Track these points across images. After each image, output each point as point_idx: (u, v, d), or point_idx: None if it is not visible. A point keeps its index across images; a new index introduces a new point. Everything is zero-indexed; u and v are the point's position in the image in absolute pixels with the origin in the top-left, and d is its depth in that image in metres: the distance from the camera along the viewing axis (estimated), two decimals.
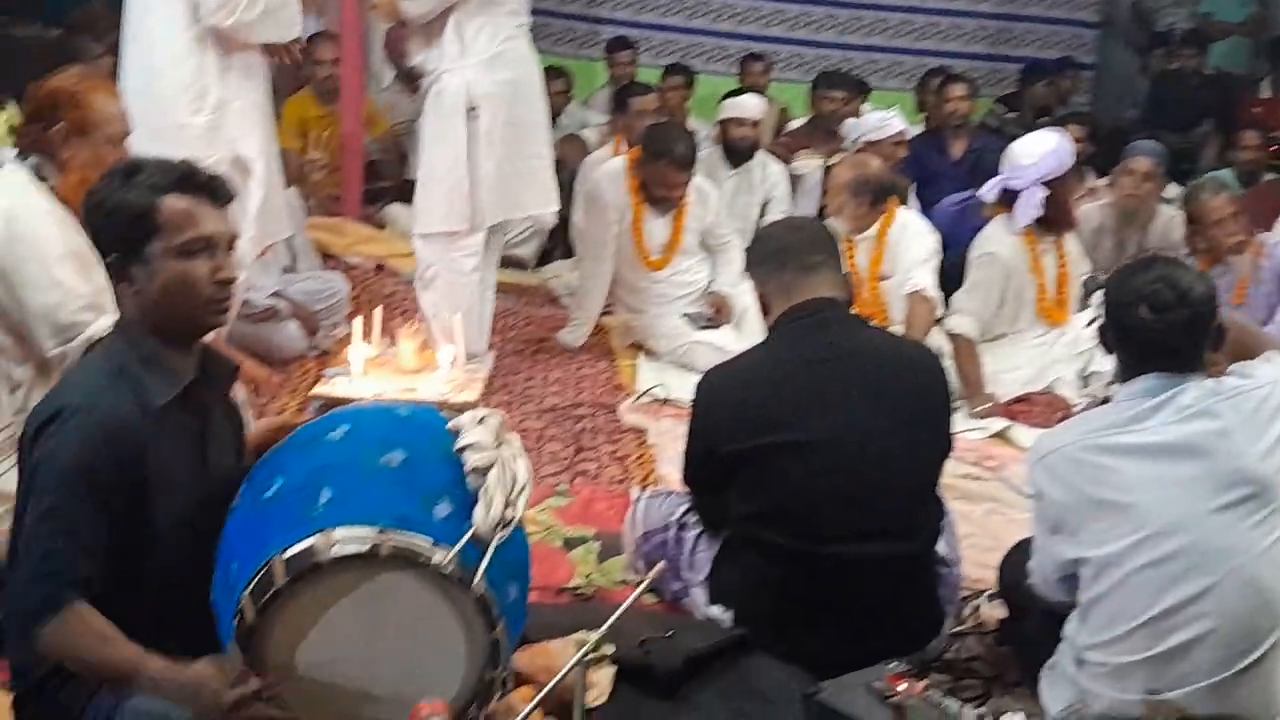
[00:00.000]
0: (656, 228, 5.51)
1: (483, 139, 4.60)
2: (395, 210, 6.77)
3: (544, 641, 2.61)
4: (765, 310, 3.03)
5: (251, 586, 2.05)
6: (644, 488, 3.90)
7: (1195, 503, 2.45)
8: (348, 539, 2.05)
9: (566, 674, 2.02)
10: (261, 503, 2.20)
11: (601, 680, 2.49)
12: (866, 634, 2.74)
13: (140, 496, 2.17)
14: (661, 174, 5.32)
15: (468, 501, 2.15)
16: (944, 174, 6.76)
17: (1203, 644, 2.41)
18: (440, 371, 4.27)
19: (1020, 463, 4.35)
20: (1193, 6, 9.38)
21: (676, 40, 9.56)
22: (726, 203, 6.05)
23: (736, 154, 6.49)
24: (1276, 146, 7.39)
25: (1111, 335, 2.64)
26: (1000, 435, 4.80)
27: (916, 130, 7.17)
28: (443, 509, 2.14)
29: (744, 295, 5.43)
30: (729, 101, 6.64)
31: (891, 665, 2.17)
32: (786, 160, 7.00)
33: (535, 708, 2.04)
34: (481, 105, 4.58)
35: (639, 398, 4.98)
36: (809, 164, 6.90)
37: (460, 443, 2.23)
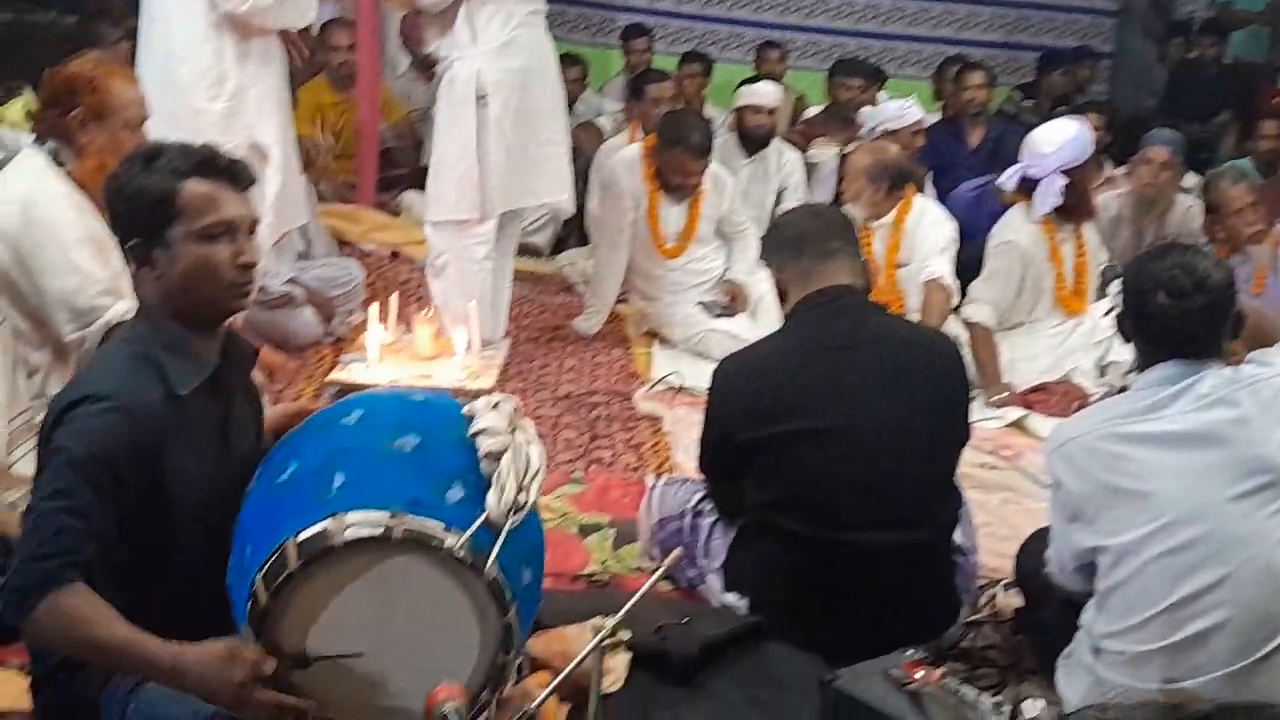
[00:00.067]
0: (672, 215, 5.50)
1: (493, 127, 4.59)
2: (410, 197, 6.77)
3: (560, 627, 2.61)
4: (782, 297, 3.03)
5: (264, 570, 2.05)
6: (659, 475, 3.89)
7: (1213, 491, 2.44)
8: (360, 523, 2.05)
9: (583, 659, 2.02)
10: (276, 486, 2.20)
11: (617, 666, 2.49)
12: (882, 622, 2.73)
13: (160, 484, 2.17)
14: (677, 161, 5.31)
15: (481, 486, 2.15)
16: (961, 162, 6.73)
17: (1220, 632, 2.40)
18: (456, 358, 4.27)
19: (1037, 452, 4.36)
20: None
21: (692, 28, 9.53)
22: (741, 190, 6.04)
23: (752, 142, 6.48)
24: None
25: (1129, 323, 2.63)
26: (1017, 424, 4.79)
27: (933, 119, 7.14)
28: (455, 493, 2.14)
29: (759, 283, 5.43)
30: (745, 89, 6.62)
31: (908, 653, 2.16)
32: (802, 148, 6.98)
33: (551, 693, 2.03)
34: (491, 93, 4.57)
35: (654, 385, 4.97)
36: (825, 152, 6.88)
37: (474, 428, 2.22)
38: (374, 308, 4.42)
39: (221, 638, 2.06)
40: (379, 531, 2.05)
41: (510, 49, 4.60)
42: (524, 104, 4.66)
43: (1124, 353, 4.78)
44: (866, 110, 6.30)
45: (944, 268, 5.06)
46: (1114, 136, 7.04)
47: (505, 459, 2.17)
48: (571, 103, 6.95)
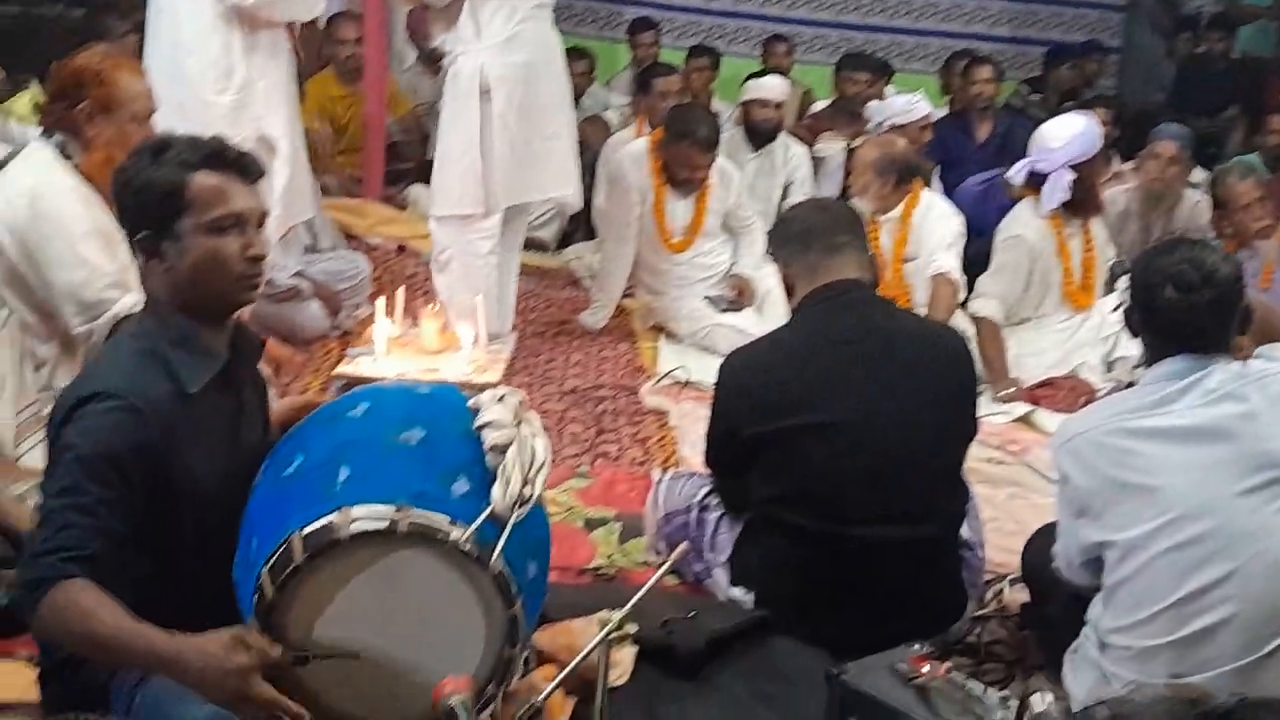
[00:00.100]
0: (679, 210, 5.49)
1: (496, 121, 4.57)
2: (417, 191, 6.76)
3: (566, 621, 2.61)
4: (789, 291, 3.02)
5: (270, 563, 2.05)
6: (665, 470, 3.89)
7: (1221, 486, 2.43)
8: (366, 516, 2.05)
9: (590, 652, 2.02)
10: (282, 480, 2.20)
11: (624, 659, 2.49)
12: (889, 617, 2.73)
13: (170, 481, 2.17)
14: (684, 155, 5.30)
15: (486, 479, 2.15)
16: (969, 157, 6.72)
17: (1227, 628, 2.40)
18: (462, 352, 4.27)
19: (1044, 447, 4.35)
20: None
21: (699, 21, 9.52)
22: (748, 185, 6.03)
23: (759, 136, 6.47)
24: None
25: (1137, 317, 2.62)
26: (1024, 419, 4.78)
27: (940, 113, 7.13)
28: (461, 486, 2.14)
29: (766, 278, 5.42)
30: (751, 83, 6.61)
31: (915, 647, 2.16)
32: (809, 142, 6.97)
33: (558, 686, 2.03)
34: (495, 87, 4.56)
35: (660, 380, 4.97)
36: (832, 146, 6.87)
37: (479, 421, 2.22)
38: (381, 301, 4.42)
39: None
40: (384, 525, 2.05)
41: (514, 43, 4.59)
42: (528, 98, 4.65)
43: (1131, 348, 4.77)
44: (874, 105, 6.29)
45: (951, 262, 5.04)
46: (1122, 131, 7.02)
47: (510, 452, 2.17)
48: (578, 96, 6.95)
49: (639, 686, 2.50)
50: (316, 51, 7.16)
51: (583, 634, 2.50)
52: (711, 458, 3.14)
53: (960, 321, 4.93)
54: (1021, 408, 4.84)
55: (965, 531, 3.05)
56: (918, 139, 5.83)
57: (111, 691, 2.20)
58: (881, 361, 2.86)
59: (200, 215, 2.20)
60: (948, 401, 2.92)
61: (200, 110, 4.06)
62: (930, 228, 5.13)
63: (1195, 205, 5.69)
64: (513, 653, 2.14)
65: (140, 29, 4.45)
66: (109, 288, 3.30)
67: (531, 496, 2.15)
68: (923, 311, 4.91)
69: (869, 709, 2.08)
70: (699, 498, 3.20)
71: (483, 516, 2.08)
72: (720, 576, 3.06)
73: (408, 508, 2.06)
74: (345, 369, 4.20)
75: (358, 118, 6.83)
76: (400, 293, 4.61)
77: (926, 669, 2.09)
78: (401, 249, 6.33)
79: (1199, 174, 6.38)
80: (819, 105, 7.91)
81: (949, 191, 5.92)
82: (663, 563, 2.32)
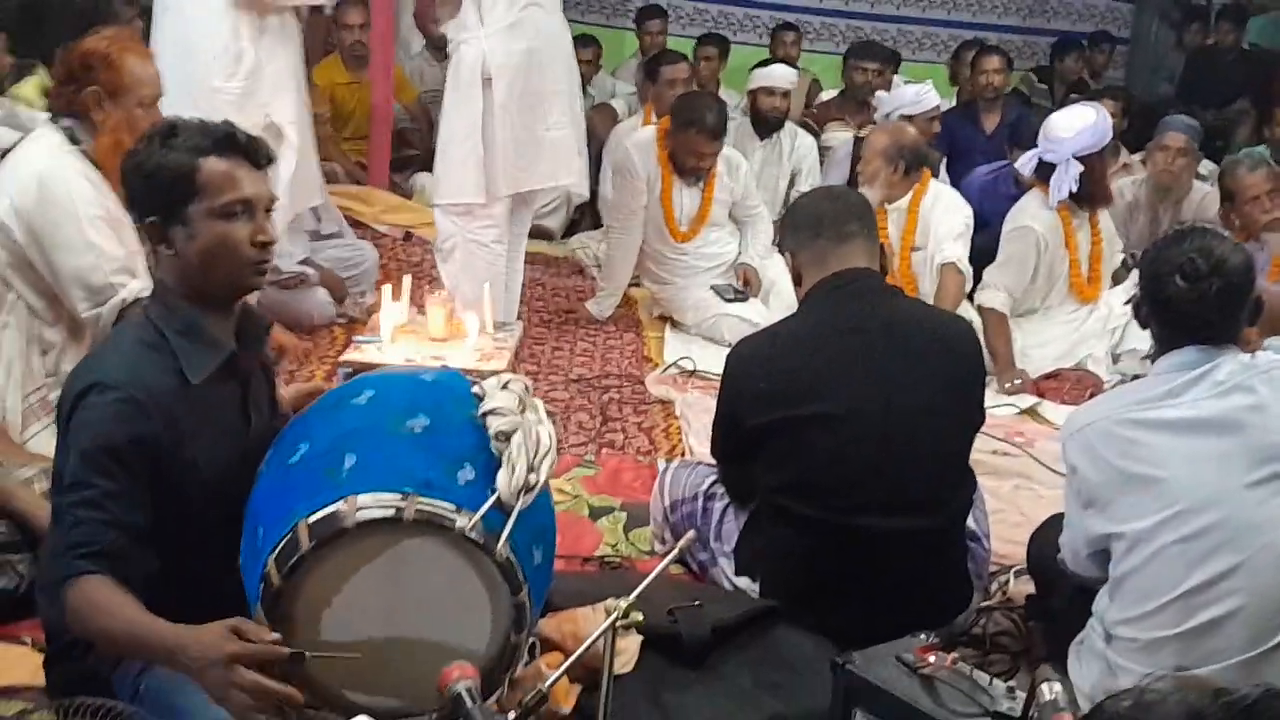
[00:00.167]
0: (685, 198, 5.48)
1: (497, 110, 4.54)
2: (423, 178, 6.76)
3: (571, 609, 2.60)
4: (797, 280, 3.01)
5: (277, 551, 2.05)
6: (670, 459, 3.89)
7: (1229, 478, 2.42)
8: (372, 504, 2.05)
9: (595, 640, 2.02)
10: (287, 468, 2.20)
11: (629, 648, 2.49)
12: (894, 607, 2.72)
13: (176, 469, 2.17)
14: (691, 143, 5.28)
15: (491, 466, 2.14)
16: (977, 147, 6.71)
17: (1233, 620, 2.39)
18: (468, 340, 4.27)
19: (1049, 439, 4.36)
20: None
21: (707, 10, 9.51)
22: (755, 174, 6.02)
23: (766, 124, 6.46)
24: None
25: (1146, 308, 2.61)
26: (1030, 411, 4.78)
27: (948, 104, 7.12)
28: (466, 474, 2.13)
29: (772, 267, 5.42)
30: (758, 71, 6.60)
31: (921, 637, 2.15)
32: (817, 132, 6.96)
33: (563, 673, 2.03)
34: (496, 75, 4.52)
35: (666, 369, 4.97)
36: (839, 136, 6.86)
37: (484, 407, 2.22)
38: (387, 289, 4.41)
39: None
40: (391, 513, 2.05)
41: (517, 30, 4.55)
42: (530, 86, 4.61)
43: (1137, 341, 4.78)
44: (883, 95, 6.28)
45: (959, 252, 5.04)
46: (1130, 123, 7.01)
47: (516, 439, 2.16)
48: (585, 84, 6.94)
49: (644, 675, 2.50)
50: (323, 38, 7.17)
51: (588, 622, 2.49)
52: (717, 447, 3.13)
53: (967, 312, 4.92)
54: (1027, 399, 4.84)
55: (971, 523, 3.04)
56: (926, 130, 5.81)
57: (115, 679, 2.22)
58: (889, 351, 2.85)
59: (210, 200, 2.20)
60: (955, 391, 2.91)
61: (208, 96, 4.05)
62: (938, 218, 5.12)
63: (1204, 197, 5.68)
64: (519, 639, 2.14)
65: (146, 14, 4.44)
66: (116, 273, 3.30)
67: (537, 483, 2.15)
68: (929, 301, 4.89)
69: (875, 698, 2.08)
70: (705, 487, 3.20)
71: (488, 504, 2.08)
72: (725, 565, 3.06)
73: (413, 495, 2.06)
74: (351, 356, 4.19)
75: (364, 105, 6.83)
76: (406, 280, 4.60)
77: (933, 659, 2.08)
78: (408, 236, 6.34)
79: (1207, 166, 6.36)
80: (827, 94, 7.90)
81: (956, 182, 5.91)
82: (668, 551, 2.32)
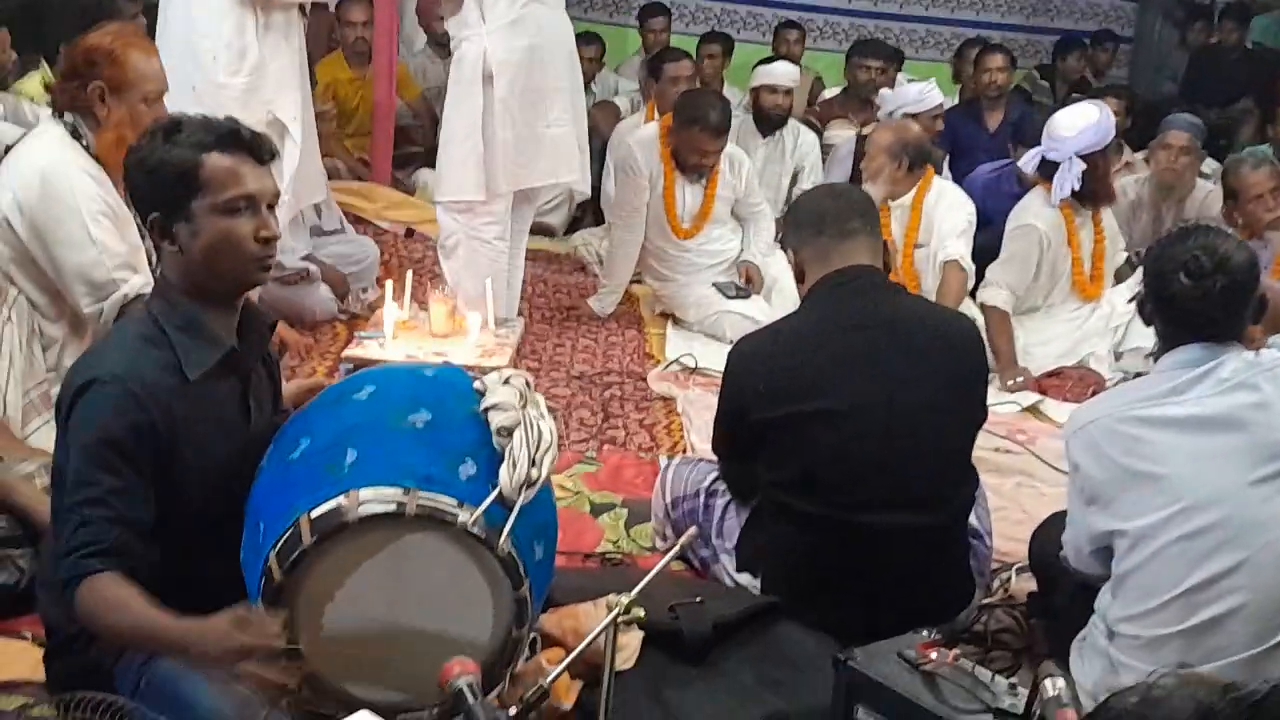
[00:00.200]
0: (688, 196, 5.47)
1: (498, 106, 4.53)
2: (425, 175, 6.76)
3: (572, 605, 2.60)
4: (800, 277, 3.00)
5: (278, 546, 2.05)
6: (672, 456, 3.89)
7: (1232, 475, 2.42)
8: (373, 499, 2.05)
9: (598, 635, 2.02)
10: (288, 463, 2.20)
11: (630, 644, 2.49)
12: (896, 604, 2.72)
13: (176, 462, 2.17)
14: (694, 141, 5.28)
15: (493, 462, 2.15)
16: (980, 145, 6.70)
17: (1236, 618, 2.39)
18: (470, 337, 4.27)
19: (1051, 436, 4.36)
20: None
21: (710, 7, 9.50)
22: (757, 171, 6.01)
23: (768, 122, 6.45)
24: None
25: (1150, 305, 2.60)
26: (1032, 409, 4.78)
27: (950, 103, 7.11)
28: (468, 469, 2.14)
29: (775, 265, 5.41)
30: (761, 69, 6.60)
31: (923, 634, 2.15)
32: (819, 129, 6.95)
33: (565, 669, 2.03)
34: (497, 73, 4.51)
35: (667, 366, 4.97)
36: (842, 134, 6.86)
37: (485, 403, 2.22)
38: (389, 285, 4.42)
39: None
40: (392, 508, 2.05)
41: (518, 27, 4.54)
42: (531, 84, 4.60)
43: (1140, 339, 4.77)
44: (886, 93, 6.27)
45: (962, 249, 5.03)
46: (1133, 121, 6.99)
47: (517, 434, 2.17)
48: (587, 82, 6.93)
49: (645, 671, 2.49)
50: (326, 34, 7.16)
51: (589, 618, 2.49)
52: (719, 443, 3.13)
53: (969, 310, 4.91)
54: (1030, 397, 4.84)
55: (973, 520, 3.03)
56: (930, 128, 5.81)
57: (117, 672, 2.22)
58: (892, 347, 2.84)
59: (213, 196, 2.20)
60: (958, 387, 2.90)
61: (212, 92, 4.05)
62: (941, 215, 5.11)
63: (1207, 195, 5.68)
64: (520, 634, 2.15)
65: (150, 10, 4.44)
66: (118, 268, 3.30)
67: (538, 478, 2.15)
68: (931, 298, 4.89)
69: (876, 695, 2.08)
70: (706, 483, 3.20)
71: (490, 498, 2.08)
72: (727, 562, 3.06)
73: (415, 490, 2.07)
74: (353, 352, 4.20)
75: (366, 101, 6.83)
76: (409, 276, 4.61)
77: (934, 655, 2.09)
78: (410, 233, 6.33)
79: (1210, 165, 6.35)
80: (829, 92, 7.89)
81: (959, 180, 5.90)
82: (670, 547, 2.32)
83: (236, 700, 2.09)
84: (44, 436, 3.20)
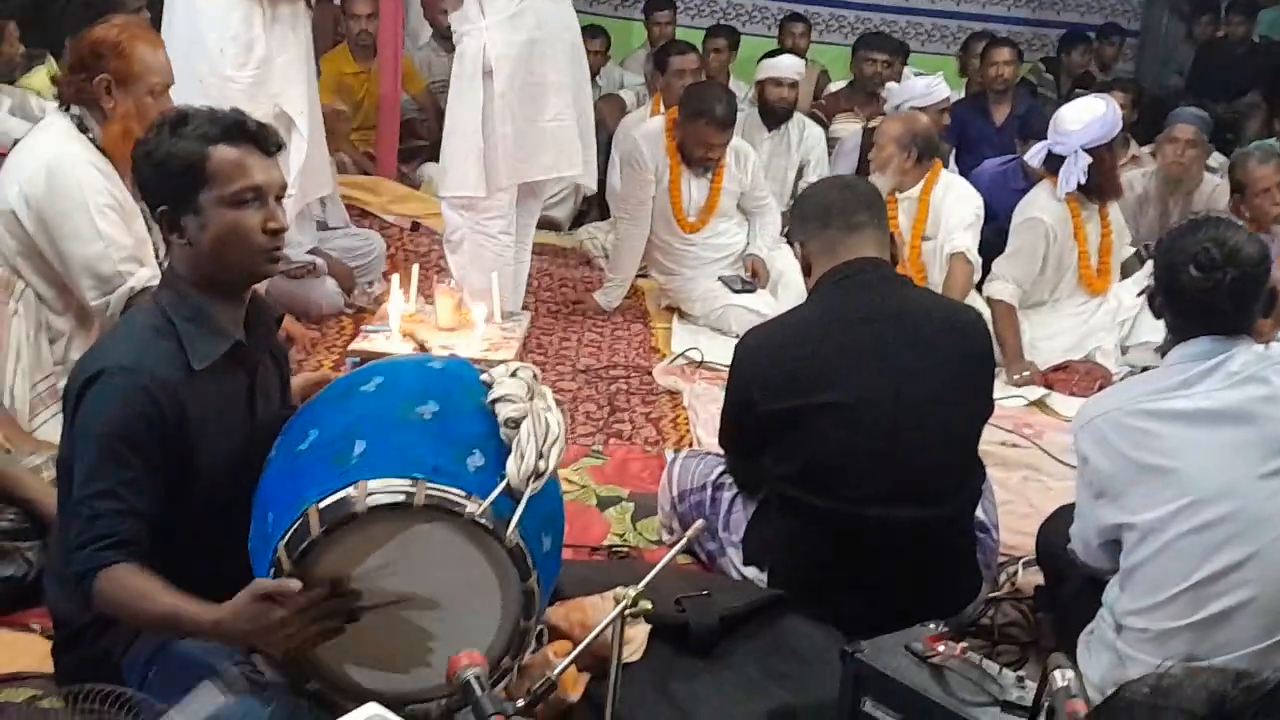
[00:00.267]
0: (693, 189, 5.46)
1: (498, 101, 4.52)
2: (430, 169, 6.75)
3: (579, 598, 2.60)
4: (807, 270, 3.00)
5: (287, 537, 2.05)
6: (678, 450, 3.89)
7: (1242, 469, 2.41)
8: (382, 490, 2.05)
9: (605, 627, 2.01)
10: (296, 454, 2.19)
11: (637, 636, 2.49)
12: (902, 597, 2.71)
13: (184, 453, 2.18)
14: (700, 134, 5.27)
15: (500, 453, 2.14)
16: (986, 139, 6.69)
17: (1244, 611, 2.38)
18: (476, 330, 4.27)
19: (1058, 430, 4.36)
20: None
21: (715, 1, 9.49)
22: (763, 165, 6.00)
23: (773, 115, 6.44)
24: None
25: (1160, 297, 2.60)
26: (1038, 403, 4.77)
27: (957, 96, 7.10)
28: (475, 460, 2.13)
29: (780, 259, 5.41)
30: (766, 62, 6.59)
31: (930, 627, 2.15)
32: (825, 123, 6.94)
33: (572, 661, 2.03)
34: (496, 67, 4.50)
35: (673, 360, 4.96)
36: (847, 127, 6.85)
37: (492, 395, 2.22)
38: (395, 278, 4.42)
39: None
40: (401, 498, 2.04)
41: (518, 21, 4.52)
42: (531, 78, 4.58)
43: (1148, 333, 4.77)
44: (893, 86, 6.26)
45: (969, 242, 5.02)
46: (1140, 115, 6.98)
47: (525, 425, 2.16)
48: (593, 75, 6.92)
49: (652, 664, 2.50)
50: (331, 27, 7.16)
51: (597, 610, 2.50)
52: (726, 436, 3.12)
53: (975, 303, 4.91)
54: (1036, 391, 4.83)
55: (980, 513, 3.03)
56: (936, 122, 5.78)
57: (125, 665, 2.23)
58: (898, 340, 2.84)
59: (221, 188, 2.20)
60: (965, 380, 2.90)
61: (219, 86, 4.04)
62: (949, 207, 5.10)
63: (1214, 189, 5.66)
64: (527, 626, 2.14)
65: (153, 4, 4.43)
66: (125, 261, 3.30)
67: (546, 470, 2.14)
68: (938, 291, 4.88)
69: (884, 687, 2.08)
70: (713, 477, 3.20)
71: (498, 490, 2.08)
72: (734, 555, 3.06)
73: (423, 481, 2.06)
74: (360, 345, 4.20)
75: (372, 95, 6.82)
76: (415, 270, 4.61)
77: (942, 648, 2.08)
78: (415, 226, 6.33)
79: (1217, 159, 6.34)
80: (835, 86, 7.88)
81: (965, 174, 5.89)
82: (677, 540, 2.32)
83: (240, 694, 2.09)
84: (51, 429, 3.20)
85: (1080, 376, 4.91)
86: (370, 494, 2.04)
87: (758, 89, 6.56)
